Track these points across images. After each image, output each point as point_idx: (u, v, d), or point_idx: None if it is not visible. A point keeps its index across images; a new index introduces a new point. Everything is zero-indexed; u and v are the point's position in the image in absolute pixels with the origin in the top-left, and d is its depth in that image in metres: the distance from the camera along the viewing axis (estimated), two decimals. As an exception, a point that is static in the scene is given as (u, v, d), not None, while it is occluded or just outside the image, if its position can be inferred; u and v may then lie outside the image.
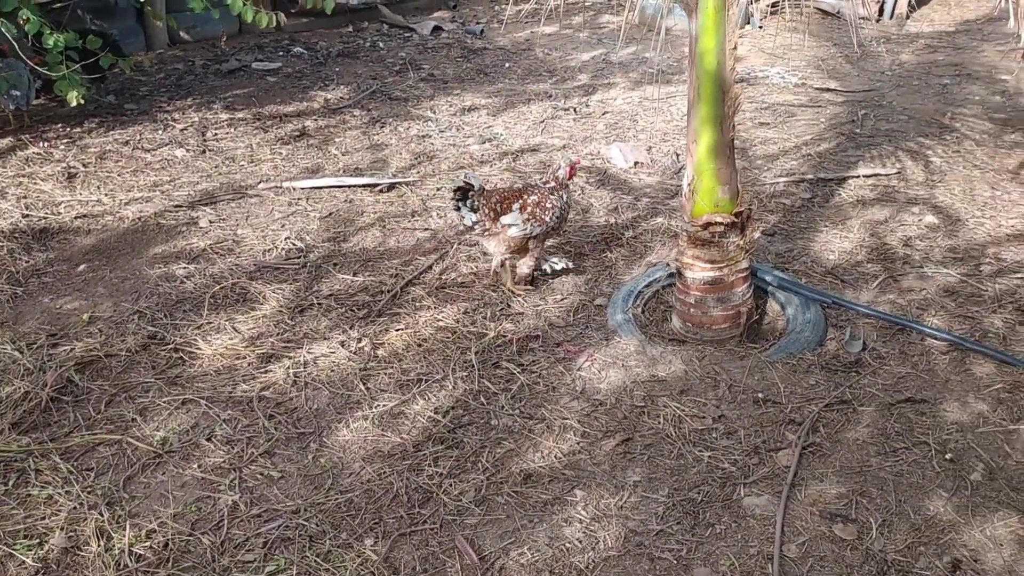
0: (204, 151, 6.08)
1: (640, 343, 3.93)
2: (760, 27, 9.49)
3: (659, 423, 3.39)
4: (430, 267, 4.57)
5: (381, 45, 9.04)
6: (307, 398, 3.52)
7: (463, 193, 4.15)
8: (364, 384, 3.60)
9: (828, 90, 7.64)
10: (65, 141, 6.15)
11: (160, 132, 6.39)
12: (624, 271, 4.56)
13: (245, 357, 3.75)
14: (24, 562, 2.71)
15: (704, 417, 3.43)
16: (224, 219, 5.08)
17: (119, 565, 2.72)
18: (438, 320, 4.04)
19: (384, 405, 3.47)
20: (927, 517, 2.92)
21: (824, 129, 6.66)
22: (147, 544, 2.80)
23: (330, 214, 5.20)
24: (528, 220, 4.21)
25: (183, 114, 6.76)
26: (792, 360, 3.78)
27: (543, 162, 6.00)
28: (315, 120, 6.77)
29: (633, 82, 7.88)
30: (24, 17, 5.24)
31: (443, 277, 4.46)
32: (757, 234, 4.90)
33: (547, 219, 4.23)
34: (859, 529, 2.87)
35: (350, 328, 3.96)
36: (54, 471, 3.11)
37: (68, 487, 3.03)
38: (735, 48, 3.63)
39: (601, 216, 5.22)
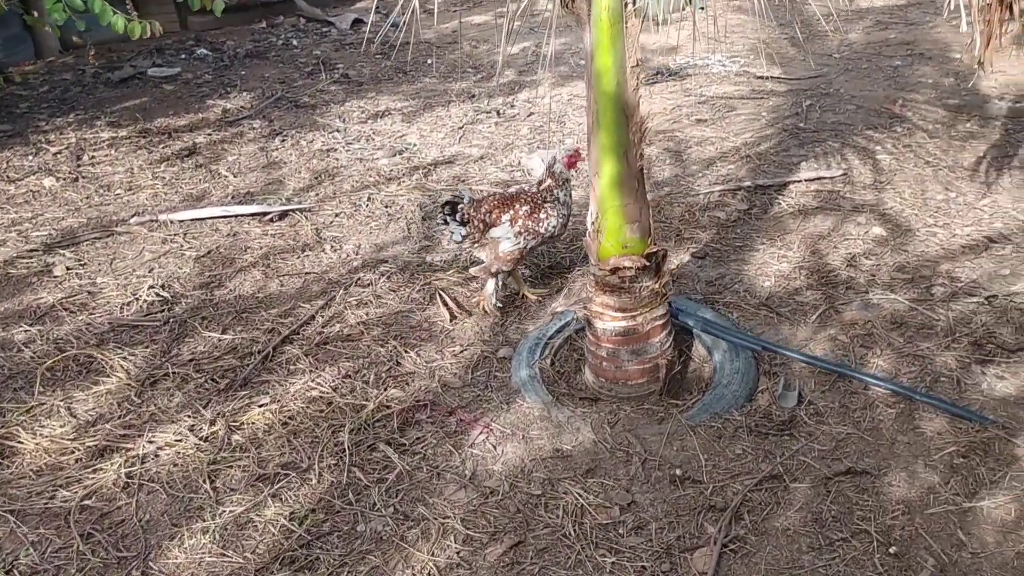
0: (76, 179, 5.44)
1: (545, 406, 3.39)
2: (702, 8, 8.91)
3: (558, 518, 2.86)
4: (313, 317, 3.99)
5: (295, 43, 8.37)
6: (139, 506, 2.95)
7: (452, 207, 3.86)
8: (211, 482, 3.03)
9: (771, 78, 7.10)
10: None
11: (30, 158, 5.73)
12: (537, 312, 4.01)
13: (73, 452, 3.17)
14: None
15: (611, 507, 2.90)
16: (84, 264, 4.46)
17: None
18: (312, 389, 3.47)
19: (231, 511, 2.90)
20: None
21: (765, 125, 6.13)
22: None
23: (208, 252, 4.59)
24: (520, 234, 3.83)
25: (60, 134, 6.10)
26: (717, 422, 3.26)
27: (457, 177, 5.41)
28: (208, 135, 6.14)
29: (563, 77, 7.29)
30: None
31: (326, 330, 3.89)
32: (686, 257, 4.37)
33: (542, 230, 3.87)
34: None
35: (204, 406, 3.38)
36: None
37: None
38: (637, 65, 3.07)
39: (513, 243, 4.65)
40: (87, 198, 5.21)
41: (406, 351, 3.74)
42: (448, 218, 3.88)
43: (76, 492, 2.99)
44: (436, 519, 2.87)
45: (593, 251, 3.34)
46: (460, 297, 4.16)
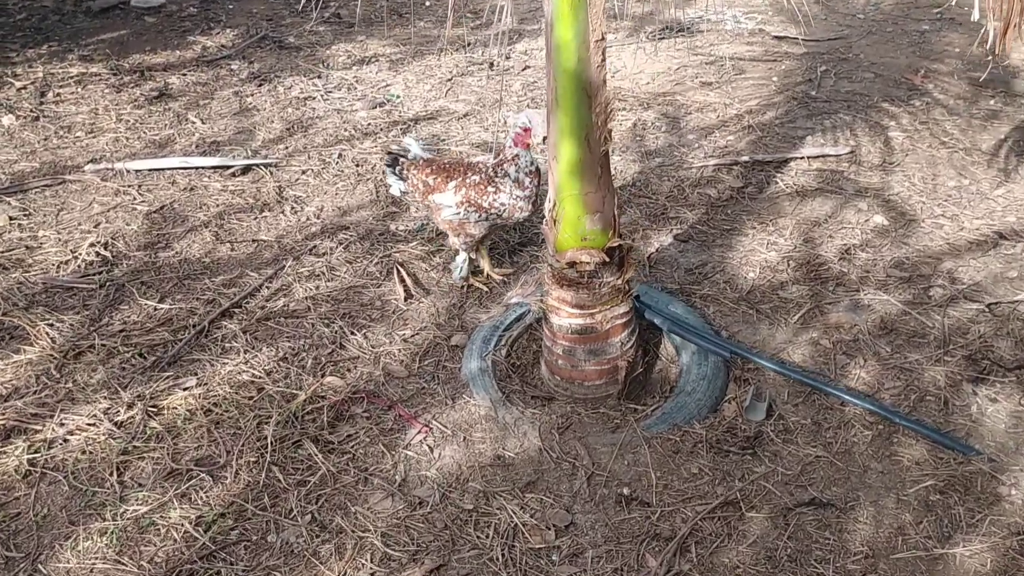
0: (37, 118, 5.15)
1: (493, 404, 3.13)
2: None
3: (487, 538, 2.62)
4: (258, 288, 3.72)
5: (289, -25, 7.94)
6: (38, 498, 2.73)
7: (393, 159, 3.71)
8: (118, 475, 2.80)
9: (787, 39, 6.64)
10: None
11: (-8, 92, 5.42)
12: (498, 295, 3.72)
13: (-23, 432, 2.94)
14: None
15: (547, 529, 2.65)
16: (29, 215, 4.20)
17: None
18: (243, 372, 3.22)
19: (134, 510, 2.68)
20: None
21: (774, 91, 5.72)
22: None
23: (160, 208, 4.32)
24: (462, 204, 3.53)
25: (29, 67, 5.79)
26: (676, 435, 2.98)
27: (437, 135, 5.08)
28: (183, 75, 5.80)
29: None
30: None
31: (270, 304, 3.62)
32: (668, 239, 4.05)
33: (486, 205, 3.55)
34: None
35: (125, 386, 3.13)
36: None
37: None
38: (602, 39, 2.72)
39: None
40: (44, 140, 4.92)
41: (352, 332, 3.47)
42: (388, 169, 3.71)
43: (-28, 479, 2.77)
44: (355, 532, 2.63)
45: (550, 241, 3.04)
46: (420, 272, 3.87)
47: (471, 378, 3.27)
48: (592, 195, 2.92)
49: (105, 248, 3.94)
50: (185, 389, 3.13)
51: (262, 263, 3.90)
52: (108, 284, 3.72)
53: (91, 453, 2.87)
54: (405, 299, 3.68)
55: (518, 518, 2.68)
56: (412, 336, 3.49)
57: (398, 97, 5.55)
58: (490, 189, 3.50)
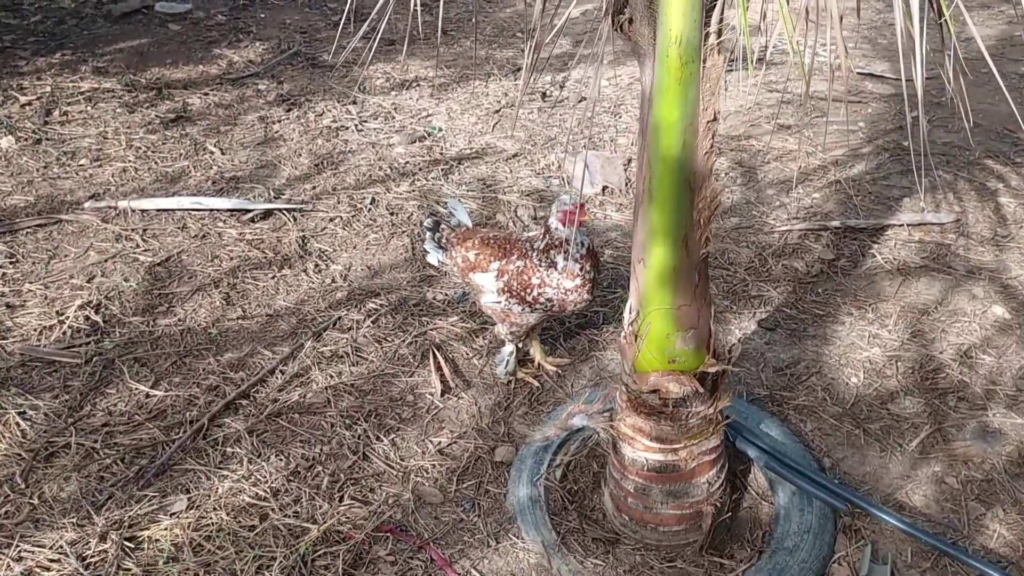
0: (40, 140, 4.63)
1: (546, 550, 2.54)
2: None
3: None
4: (272, 372, 3.15)
5: (327, -17, 7.39)
6: (-23, 668, 2.16)
7: (435, 223, 3.17)
8: (80, 639, 2.22)
9: (873, 76, 5.98)
10: None
11: (-6, 108, 4.91)
12: (551, 393, 3.13)
13: (-85, 566, 2.38)
14: None
15: None
16: (16, 262, 3.67)
17: None
18: (245, 490, 2.64)
19: None
20: None
21: (862, 140, 5.08)
22: None
23: (166, 259, 3.76)
24: (504, 292, 2.92)
25: (37, 79, 5.27)
26: (775, 610, 2.37)
27: (483, 180, 4.49)
28: (205, 95, 5.26)
29: (623, 54, 6.23)
30: None
31: (283, 395, 3.05)
32: (752, 326, 3.44)
33: (529, 299, 2.93)
34: None
35: (100, 507, 2.57)
36: None
37: None
38: (715, 119, 2.11)
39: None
40: (44, 167, 4.40)
41: (379, 437, 2.90)
42: (429, 234, 3.14)
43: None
44: None
45: (628, 357, 2.43)
46: (459, 357, 3.29)
47: (519, 509, 2.68)
48: (686, 308, 2.32)
49: (96, 311, 3.40)
50: (172, 515, 2.57)
51: (277, 338, 3.34)
52: (95, 359, 3.17)
53: (50, 603, 2.31)
54: (442, 394, 3.10)
55: None
56: (449, 445, 2.91)
57: (440, 131, 4.97)
58: (535, 280, 2.90)
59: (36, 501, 2.61)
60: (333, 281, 3.69)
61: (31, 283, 3.56)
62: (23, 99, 5.06)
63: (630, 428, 2.51)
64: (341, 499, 2.67)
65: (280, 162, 4.61)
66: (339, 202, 4.27)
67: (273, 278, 3.70)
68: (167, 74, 5.52)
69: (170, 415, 2.96)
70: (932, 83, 5.87)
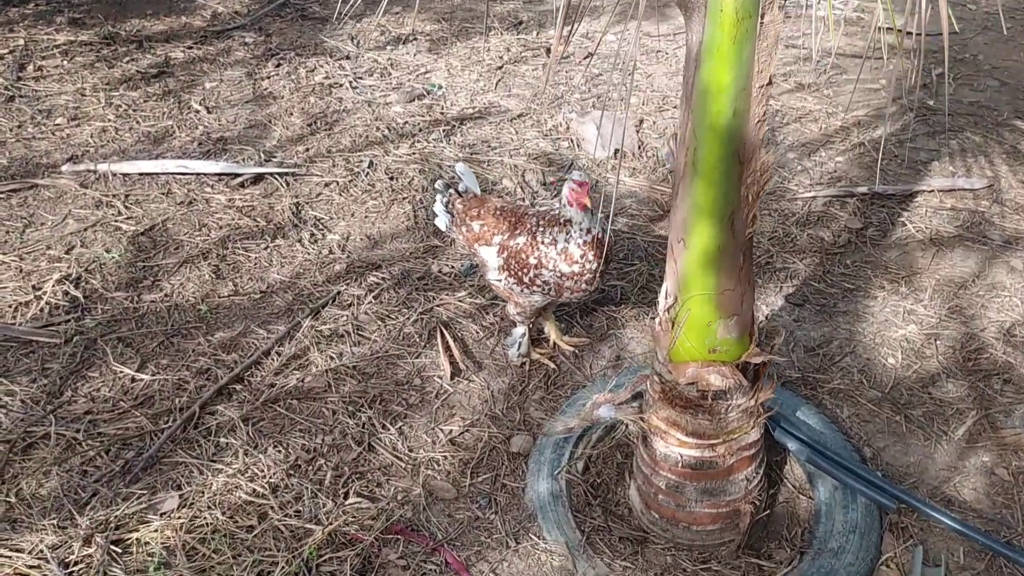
0: (13, 98, 4.32)
1: (570, 551, 2.34)
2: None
3: None
4: (267, 353, 2.91)
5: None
6: None
7: (445, 187, 2.95)
8: (62, 658, 2.01)
9: (895, 31, 5.67)
10: None
11: (-38, 63, 4.58)
12: (573, 369, 2.91)
13: None
14: None
15: None
16: (-12, 232, 3.39)
17: None
18: (241, 486, 2.42)
19: None
20: None
21: (885, 99, 4.81)
22: None
23: (151, 228, 3.50)
24: (504, 269, 2.70)
25: (9, 32, 4.93)
26: (820, 618, 2.18)
27: (486, 141, 4.22)
28: (187, 48, 4.94)
29: (631, 6, 5.89)
30: None
31: (281, 379, 2.82)
32: (779, 301, 3.23)
33: (526, 280, 2.68)
34: None
35: (83, 506, 2.35)
36: None
37: None
38: (770, 83, 1.86)
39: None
40: (18, 127, 4.10)
41: (385, 426, 2.68)
42: (439, 196, 2.91)
43: None
44: None
45: (663, 345, 2.21)
46: (469, 336, 3.06)
47: (539, 506, 2.47)
48: (730, 293, 2.09)
49: (76, 286, 3.14)
50: (163, 515, 2.34)
51: (272, 315, 3.09)
52: (76, 338, 2.93)
53: (28, 618, 2.09)
54: (451, 376, 2.88)
55: None
56: (460, 434, 2.69)
57: (440, 88, 4.68)
58: (531, 260, 2.65)
59: (13, 499, 2.38)
60: (330, 252, 3.44)
61: (4, 254, 3.29)
62: (-6, 53, 4.73)
63: (663, 421, 2.30)
64: (346, 495, 2.45)
65: (270, 122, 4.32)
66: (334, 165, 3.99)
67: (266, 248, 3.44)
68: (147, 26, 5.19)
69: (158, 401, 2.72)
70: (954, 38, 5.61)
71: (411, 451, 2.62)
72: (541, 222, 2.67)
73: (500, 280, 2.77)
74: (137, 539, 2.29)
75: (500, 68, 4.97)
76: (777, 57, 1.83)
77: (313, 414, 2.71)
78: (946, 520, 2.36)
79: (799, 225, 3.74)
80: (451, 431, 2.70)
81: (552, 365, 2.95)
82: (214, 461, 2.53)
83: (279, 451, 2.57)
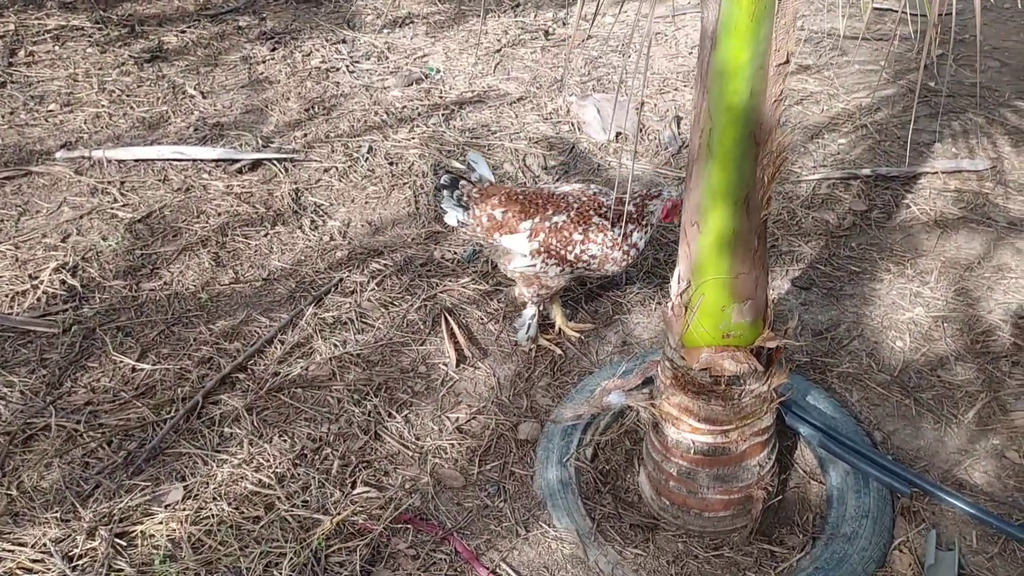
0: (4, 83, 4.25)
1: (580, 539, 2.31)
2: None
3: None
4: (270, 341, 2.87)
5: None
6: None
7: (453, 179, 2.78)
8: (69, 653, 1.98)
9: (892, 11, 5.65)
10: None
11: (-49, 49, 4.50)
12: (575, 361, 2.88)
13: None
14: None
15: None
16: (-18, 220, 3.33)
17: None
18: (247, 476, 2.39)
19: None
20: None
21: (886, 80, 4.78)
22: None
23: (148, 215, 3.45)
24: (540, 254, 2.63)
25: (-1, 17, 4.84)
26: (834, 604, 2.16)
27: (486, 125, 4.17)
28: (182, 32, 4.87)
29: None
30: None
31: (284, 365, 2.78)
32: (785, 285, 3.20)
33: (571, 257, 2.66)
34: None
35: (86, 498, 2.31)
36: None
37: None
38: (787, 62, 1.82)
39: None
40: (11, 114, 4.03)
41: (391, 414, 2.64)
42: (445, 193, 2.77)
43: None
44: None
45: (676, 330, 2.18)
46: (473, 323, 3.02)
47: (549, 493, 2.45)
48: (744, 277, 2.06)
49: (73, 274, 3.09)
50: (167, 507, 2.31)
51: (274, 303, 3.05)
52: (74, 328, 2.88)
53: (32, 613, 2.06)
54: (457, 363, 2.84)
55: None
56: (467, 422, 2.66)
57: (438, 71, 4.62)
58: (576, 236, 2.62)
59: (15, 492, 2.35)
60: (331, 239, 3.40)
61: (0, 241, 3.24)
62: (-16, 38, 4.65)
63: (675, 408, 2.27)
64: (353, 485, 2.42)
65: (267, 107, 4.26)
66: (333, 151, 3.94)
67: (266, 235, 3.40)
68: (140, 9, 5.11)
69: (160, 391, 2.68)
70: (953, 19, 5.57)
71: (418, 439, 2.59)
72: (583, 200, 2.64)
73: (534, 265, 2.72)
74: (142, 531, 2.25)
75: (498, 51, 4.92)
76: (795, 35, 1.79)
77: (318, 403, 2.68)
78: (959, 504, 2.34)
79: (804, 207, 3.72)
80: (458, 419, 2.67)
81: (559, 351, 2.92)
82: (219, 451, 2.50)
83: (284, 440, 2.54)
